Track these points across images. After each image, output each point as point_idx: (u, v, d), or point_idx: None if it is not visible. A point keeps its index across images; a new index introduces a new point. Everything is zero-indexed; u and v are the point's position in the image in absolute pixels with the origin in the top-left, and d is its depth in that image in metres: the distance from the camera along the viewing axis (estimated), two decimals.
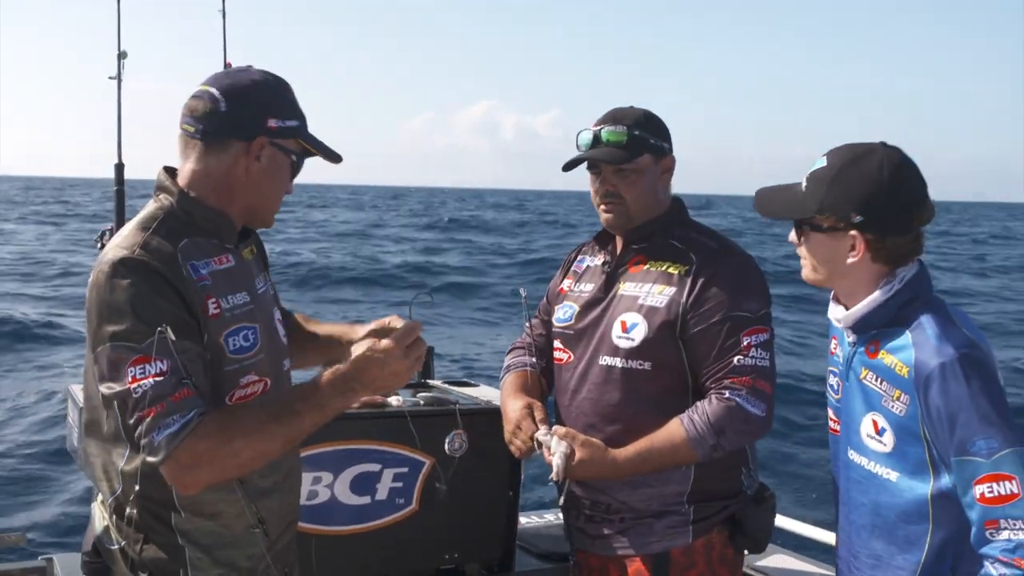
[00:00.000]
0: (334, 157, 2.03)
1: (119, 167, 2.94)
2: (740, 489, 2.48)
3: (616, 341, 2.42)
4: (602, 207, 2.50)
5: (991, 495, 1.75)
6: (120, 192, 2.93)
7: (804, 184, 2.00)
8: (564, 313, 2.59)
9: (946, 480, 1.85)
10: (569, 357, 2.55)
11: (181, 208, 1.89)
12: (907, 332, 1.89)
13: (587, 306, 2.53)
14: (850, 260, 1.94)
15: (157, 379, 1.70)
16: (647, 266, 2.47)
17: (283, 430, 1.78)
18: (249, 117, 1.88)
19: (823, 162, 1.98)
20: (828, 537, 3.21)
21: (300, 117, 1.96)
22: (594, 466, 2.33)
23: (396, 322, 2.03)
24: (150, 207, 1.91)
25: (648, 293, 2.43)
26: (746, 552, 2.56)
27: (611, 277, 2.52)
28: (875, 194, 1.90)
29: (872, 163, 1.92)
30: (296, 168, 1.98)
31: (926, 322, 1.88)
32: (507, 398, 2.61)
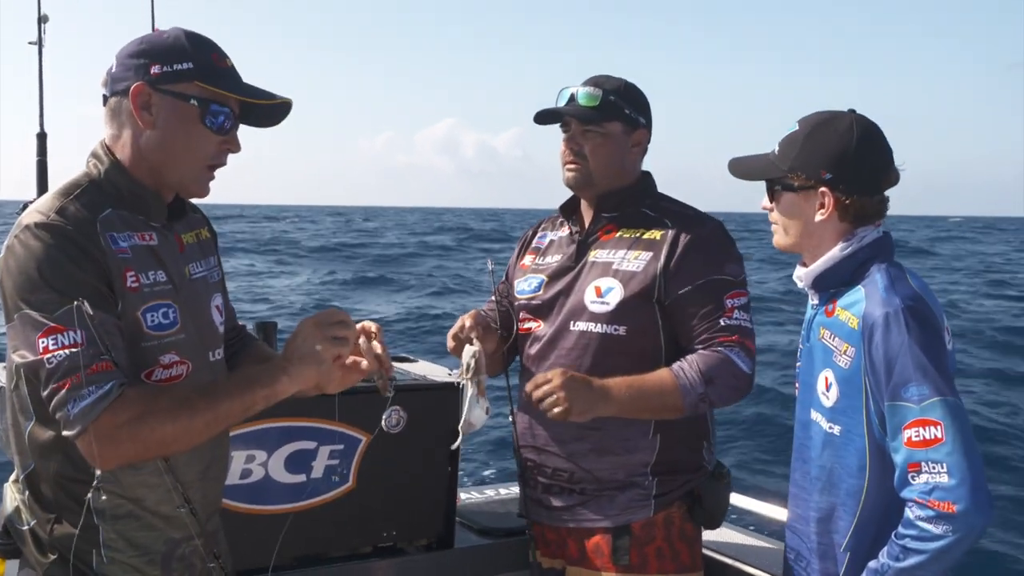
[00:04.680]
0: (252, 95, 1.80)
1: (41, 136, 2.83)
2: (701, 463, 2.46)
3: (590, 307, 2.39)
4: (566, 165, 2.49)
5: (917, 439, 1.81)
6: (42, 163, 2.82)
7: (776, 148, 2.07)
8: (529, 285, 2.55)
9: (881, 435, 1.90)
10: (538, 325, 2.50)
11: (108, 179, 1.80)
12: (860, 287, 1.96)
13: (556, 275, 2.50)
14: (818, 218, 2.01)
15: (72, 350, 1.61)
16: (619, 233, 2.45)
17: (209, 408, 1.67)
18: (132, 68, 1.77)
19: (795, 127, 2.06)
20: (777, 513, 3.18)
21: (200, 61, 1.77)
22: (587, 400, 2.23)
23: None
24: (76, 174, 1.82)
25: (623, 258, 2.41)
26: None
27: (582, 246, 2.49)
28: (844, 154, 1.98)
29: (842, 126, 2.00)
30: (210, 115, 1.78)
31: (878, 276, 1.94)
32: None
